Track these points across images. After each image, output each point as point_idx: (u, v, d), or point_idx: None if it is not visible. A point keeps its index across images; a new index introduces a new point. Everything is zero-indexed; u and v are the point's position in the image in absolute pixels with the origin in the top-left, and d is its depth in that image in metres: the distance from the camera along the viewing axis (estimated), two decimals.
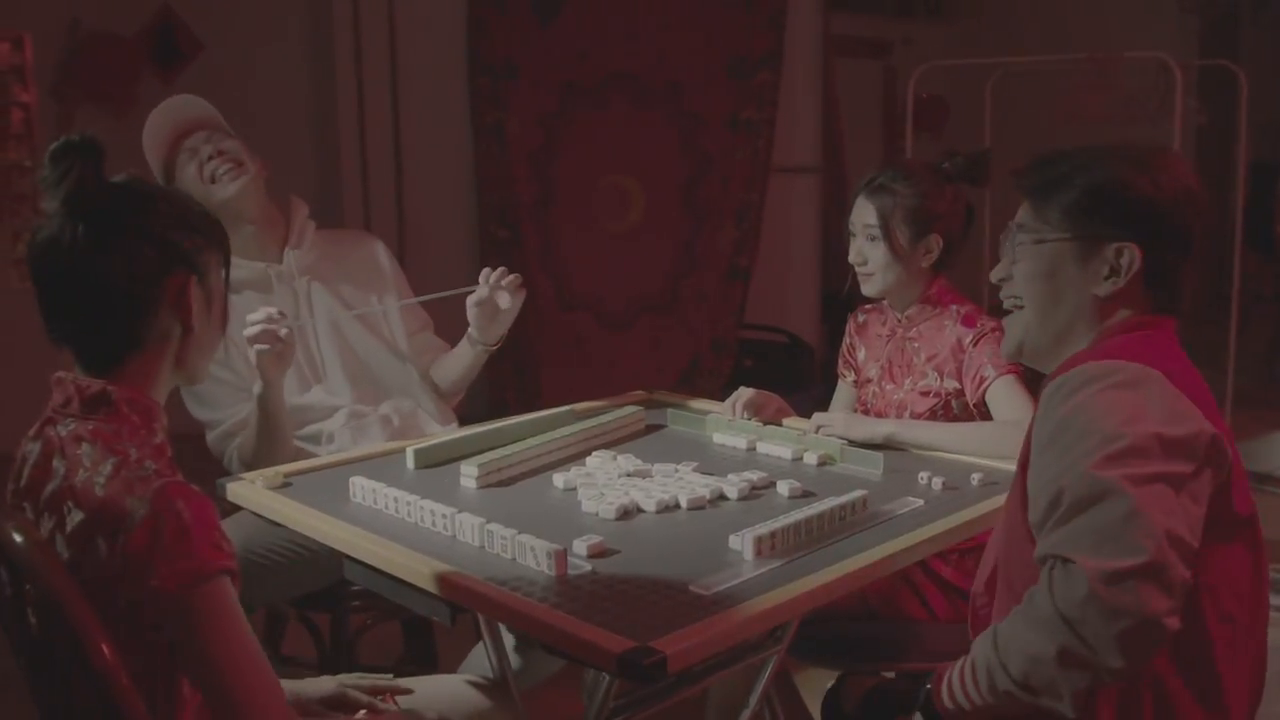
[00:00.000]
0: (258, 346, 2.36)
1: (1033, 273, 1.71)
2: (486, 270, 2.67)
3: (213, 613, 1.44)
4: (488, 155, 4.93)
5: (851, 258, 2.61)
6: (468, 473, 2.23)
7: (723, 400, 2.71)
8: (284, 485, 2.23)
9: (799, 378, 5.34)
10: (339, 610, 2.67)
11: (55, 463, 1.52)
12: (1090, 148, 1.70)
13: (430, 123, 4.89)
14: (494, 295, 2.66)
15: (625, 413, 2.63)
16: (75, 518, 1.46)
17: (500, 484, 2.24)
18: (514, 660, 2.28)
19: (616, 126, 5.05)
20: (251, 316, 2.37)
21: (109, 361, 1.58)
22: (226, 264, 1.71)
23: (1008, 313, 1.79)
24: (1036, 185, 1.70)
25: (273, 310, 2.38)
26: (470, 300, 2.69)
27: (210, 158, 2.63)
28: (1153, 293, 1.66)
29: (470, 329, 2.74)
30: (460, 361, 2.83)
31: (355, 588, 2.50)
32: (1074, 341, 1.69)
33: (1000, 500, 2.15)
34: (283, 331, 2.37)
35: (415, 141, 4.88)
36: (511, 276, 2.67)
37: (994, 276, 1.78)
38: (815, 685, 3.10)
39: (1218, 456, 1.51)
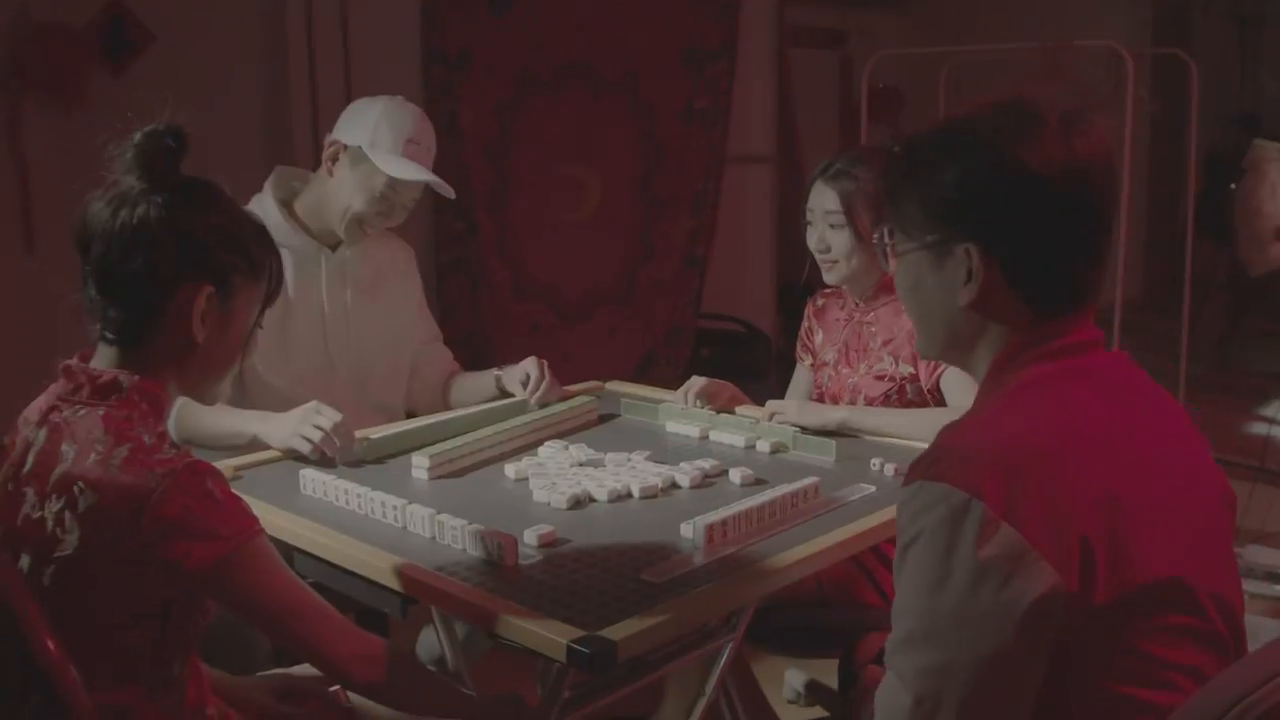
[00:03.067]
0: (298, 442, 2.28)
1: (901, 286, 1.54)
2: (533, 381, 2.70)
3: (259, 568, 1.55)
4: (442, 146, 4.89)
5: (813, 245, 2.60)
6: (419, 464, 2.22)
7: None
8: (234, 479, 2.21)
9: (755, 366, 5.35)
10: None
11: (65, 446, 1.54)
12: (935, 134, 1.48)
13: None
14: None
15: (577, 403, 2.64)
16: (88, 499, 1.49)
17: (452, 475, 2.24)
18: (460, 630, 2.28)
19: (572, 117, 5.03)
20: (320, 420, 2.29)
21: (123, 344, 1.61)
22: (268, 298, 1.72)
23: None
24: (885, 192, 1.53)
25: (339, 419, 2.30)
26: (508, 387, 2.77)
27: (387, 216, 2.69)
28: (1024, 294, 1.43)
29: (501, 380, 2.80)
30: (480, 396, 2.86)
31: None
32: (971, 356, 1.49)
33: None
34: (332, 451, 2.29)
35: None
36: (551, 388, 2.71)
37: None
38: (772, 673, 3.12)
39: (1051, 607, 1.28)
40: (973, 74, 6.26)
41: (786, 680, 3.22)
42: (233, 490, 1.57)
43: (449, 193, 2.70)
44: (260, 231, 1.70)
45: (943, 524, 1.29)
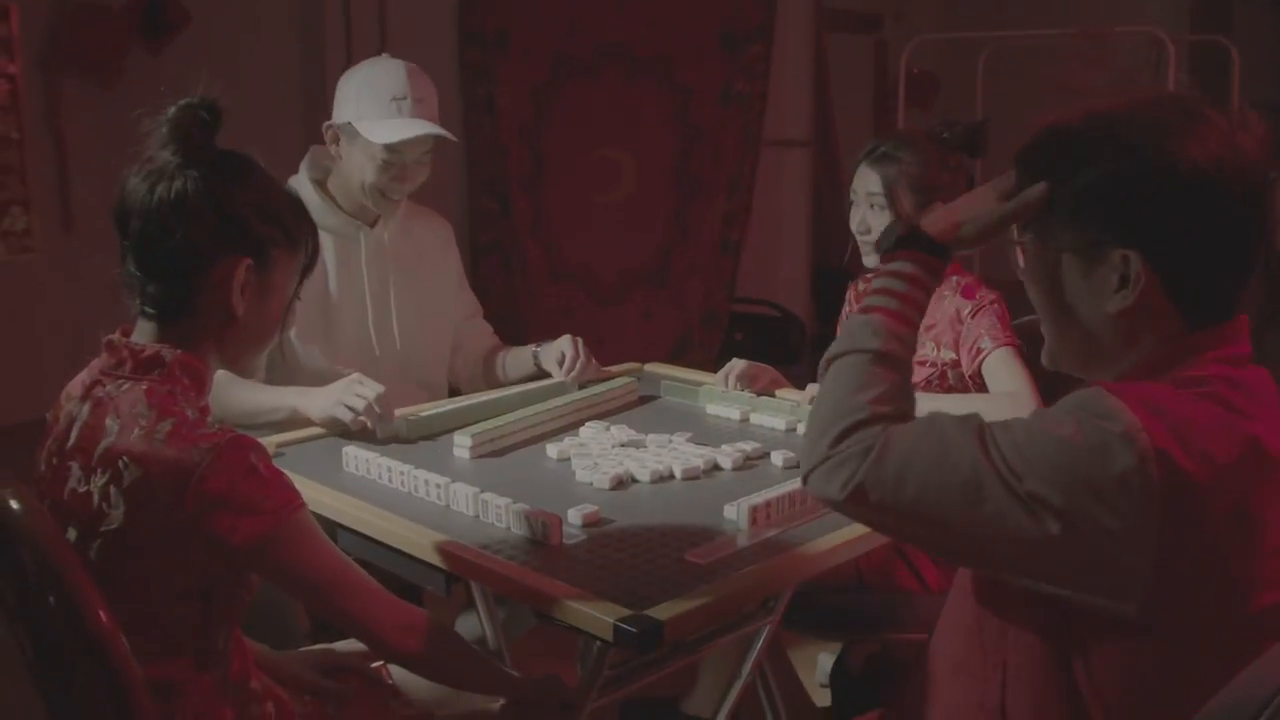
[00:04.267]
0: (341, 411, 2.28)
1: (1036, 288, 1.44)
2: (568, 360, 2.68)
3: (305, 541, 1.57)
4: (478, 127, 4.91)
5: (855, 226, 2.60)
6: (461, 443, 2.22)
7: (715, 373, 2.71)
8: (276, 455, 2.22)
9: (789, 351, 5.34)
10: None
11: (109, 421, 1.54)
12: (1083, 127, 1.38)
13: None
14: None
15: (618, 384, 2.63)
16: (133, 473, 1.49)
17: (493, 454, 2.24)
18: (500, 611, 2.29)
19: (608, 99, 5.03)
20: (363, 390, 2.29)
21: (163, 319, 1.61)
22: (306, 269, 1.72)
23: None
24: (1020, 185, 1.43)
25: (381, 390, 2.29)
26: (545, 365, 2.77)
27: (403, 179, 2.64)
28: (1181, 304, 1.35)
29: (539, 357, 2.80)
30: (519, 372, 2.87)
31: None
32: (1114, 367, 1.41)
33: None
34: (373, 422, 2.28)
35: None
36: (587, 366, 2.69)
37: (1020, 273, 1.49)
38: (808, 656, 3.12)
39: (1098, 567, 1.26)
40: (1011, 59, 6.23)
41: (819, 663, 3.21)
42: (275, 464, 1.57)
43: (452, 137, 2.64)
44: (296, 203, 1.71)
45: (1103, 432, 1.23)
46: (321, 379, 2.52)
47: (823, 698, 3.05)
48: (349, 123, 2.60)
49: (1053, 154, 1.39)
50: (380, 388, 2.30)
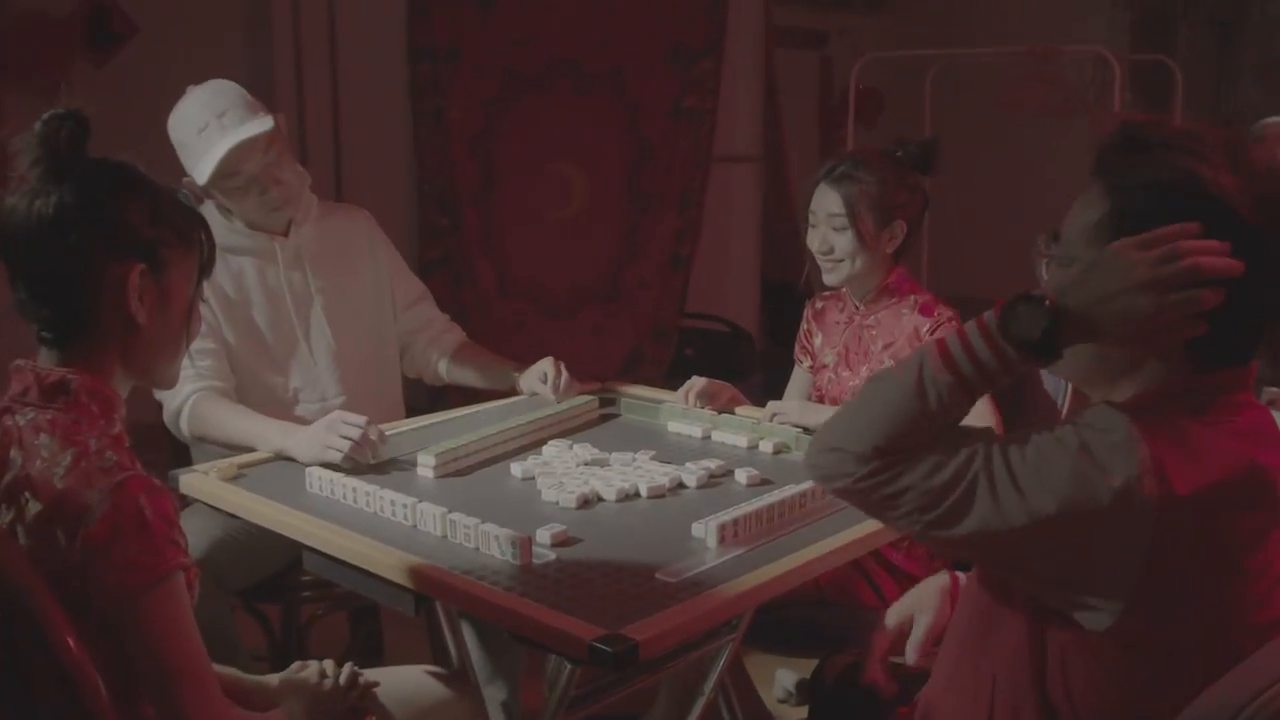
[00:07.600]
0: (330, 455, 2.20)
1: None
2: (551, 380, 2.65)
3: (163, 611, 1.46)
4: (428, 142, 4.90)
5: (815, 246, 2.60)
6: (425, 462, 2.21)
7: (666, 389, 2.72)
8: (238, 476, 2.20)
9: (739, 366, 5.35)
10: (290, 601, 2.64)
11: (13, 453, 1.49)
12: (1159, 138, 1.33)
13: (370, 109, 4.85)
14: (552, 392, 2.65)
15: (579, 402, 2.63)
16: (33, 508, 1.44)
17: (457, 474, 2.23)
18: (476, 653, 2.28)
19: (558, 113, 5.04)
20: (346, 430, 2.23)
21: (62, 342, 1.56)
22: (203, 269, 1.66)
23: None
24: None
25: (363, 424, 2.24)
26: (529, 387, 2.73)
27: (265, 190, 2.55)
28: (1198, 350, 1.31)
29: (519, 382, 2.76)
30: (486, 381, 2.84)
31: (306, 578, 2.48)
32: (1112, 390, 1.38)
33: None
34: (364, 458, 2.23)
35: (354, 128, 4.83)
36: (568, 385, 2.66)
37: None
38: (764, 671, 3.12)
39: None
40: (959, 77, 6.30)
41: (777, 679, 3.22)
42: (170, 511, 1.49)
43: (263, 128, 2.47)
44: (182, 203, 1.64)
45: (1113, 443, 1.25)
46: (275, 399, 2.50)
47: (782, 713, 3.05)
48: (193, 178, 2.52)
49: (1111, 162, 1.35)
50: (362, 420, 2.24)
